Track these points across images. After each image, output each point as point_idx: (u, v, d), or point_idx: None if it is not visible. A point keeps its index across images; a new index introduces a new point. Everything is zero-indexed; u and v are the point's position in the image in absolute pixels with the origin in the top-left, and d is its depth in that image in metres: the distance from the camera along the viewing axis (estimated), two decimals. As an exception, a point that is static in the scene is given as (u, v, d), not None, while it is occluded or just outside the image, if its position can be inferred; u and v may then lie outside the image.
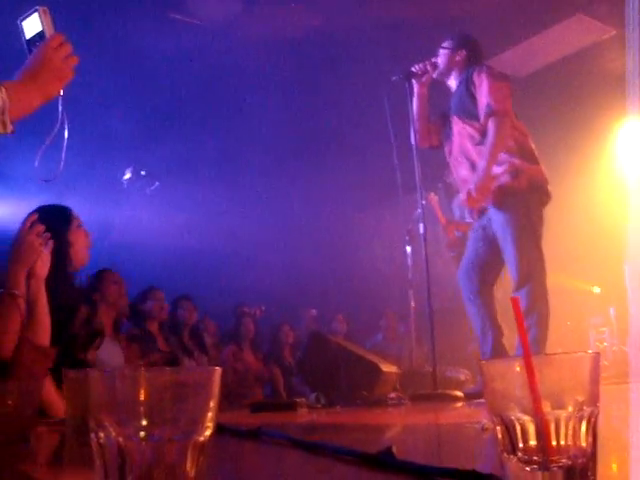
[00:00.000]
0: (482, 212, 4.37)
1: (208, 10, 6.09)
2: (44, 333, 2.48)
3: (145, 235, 8.52)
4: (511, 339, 4.20)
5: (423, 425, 2.27)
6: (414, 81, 4.64)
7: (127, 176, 8.95)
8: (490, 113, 4.13)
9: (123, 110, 7.31)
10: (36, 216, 2.55)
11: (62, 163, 2.10)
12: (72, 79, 2.03)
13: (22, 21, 2.08)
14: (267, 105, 7.43)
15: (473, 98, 4.31)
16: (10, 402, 1.61)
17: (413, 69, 4.61)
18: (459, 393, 3.94)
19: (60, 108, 2.10)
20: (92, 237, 3.15)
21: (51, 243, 2.57)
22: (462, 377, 5.32)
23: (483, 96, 4.20)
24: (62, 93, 2.05)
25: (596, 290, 7.80)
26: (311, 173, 8.64)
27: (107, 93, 6.95)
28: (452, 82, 4.60)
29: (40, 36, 2.03)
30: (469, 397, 3.79)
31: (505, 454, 0.82)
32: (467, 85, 4.36)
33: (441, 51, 4.59)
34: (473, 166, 4.33)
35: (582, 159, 7.75)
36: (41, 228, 2.50)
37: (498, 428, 0.82)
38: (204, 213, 8.81)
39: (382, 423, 2.40)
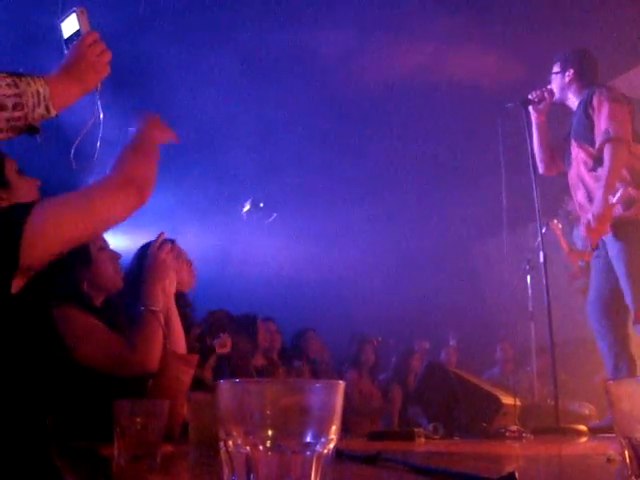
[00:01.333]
0: (599, 242, 4.22)
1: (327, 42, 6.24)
2: (181, 343, 2.68)
3: (263, 266, 8.71)
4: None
5: (545, 456, 2.20)
6: (532, 109, 4.56)
7: (246, 208, 9.21)
8: (608, 139, 3.99)
9: (242, 143, 7.55)
10: (165, 235, 2.75)
11: (97, 155, 2.17)
12: (107, 74, 2.10)
13: (61, 22, 2.18)
14: (383, 133, 7.49)
15: (590, 122, 4.18)
16: (139, 420, 1.68)
17: (530, 96, 4.54)
18: (583, 427, 3.79)
19: (98, 102, 2.17)
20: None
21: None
22: (586, 411, 5.13)
23: (602, 121, 4.06)
24: (99, 87, 2.12)
25: None
26: (430, 202, 8.63)
27: (226, 126, 7.20)
28: (572, 102, 4.47)
29: (77, 35, 2.13)
30: (594, 432, 3.65)
31: (634, 478, 0.79)
32: (585, 108, 4.24)
33: (553, 76, 4.50)
34: (588, 192, 4.21)
35: None
36: (169, 247, 2.69)
37: (626, 451, 0.80)
38: (321, 243, 8.93)
39: (502, 453, 2.34)
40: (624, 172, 4.04)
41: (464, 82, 6.52)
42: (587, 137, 4.21)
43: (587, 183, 4.22)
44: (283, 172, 8.09)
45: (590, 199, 4.19)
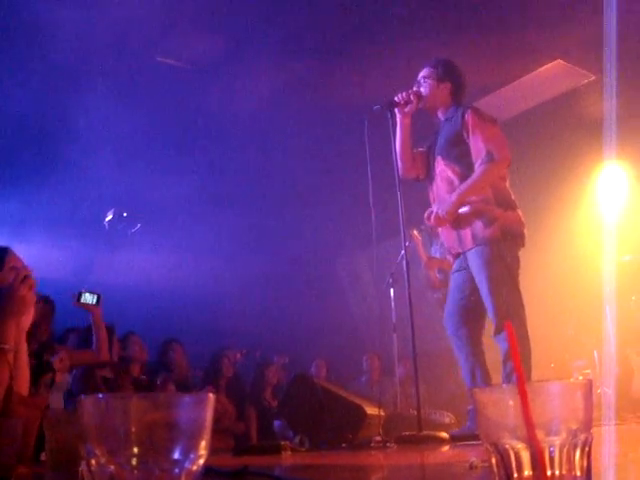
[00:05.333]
0: (458, 255, 4.34)
1: (195, 54, 6.16)
2: (25, 383, 2.46)
3: (127, 277, 8.47)
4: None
5: (410, 465, 2.24)
6: (397, 111, 4.45)
7: (109, 218, 8.92)
8: (491, 160, 4.10)
9: (106, 152, 7.32)
10: (30, 271, 2.49)
11: None
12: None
13: None
14: (250, 146, 7.47)
15: (460, 141, 4.24)
16: (-10, 441, 1.58)
17: (396, 98, 4.42)
18: (444, 434, 3.91)
19: None
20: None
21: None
22: (447, 420, 5.28)
23: (480, 142, 4.12)
24: None
25: (573, 332, 7.80)
26: (295, 215, 8.67)
27: (90, 134, 6.96)
28: (439, 114, 4.49)
29: None
30: (455, 439, 3.76)
31: (499, 484, 0.81)
32: (455, 126, 4.29)
33: (425, 81, 4.46)
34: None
35: (562, 203, 7.82)
36: (33, 282, 2.44)
37: (492, 457, 0.82)
38: (186, 255, 8.79)
39: (368, 464, 2.37)
40: (488, 192, 4.17)
41: (329, 93, 6.61)
42: (456, 156, 4.26)
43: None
44: (148, 183, 7.89)
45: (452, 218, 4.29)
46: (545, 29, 5.87)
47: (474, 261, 4.17)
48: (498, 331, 4.01)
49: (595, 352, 7.35)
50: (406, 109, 4.41)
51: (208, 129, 7.18)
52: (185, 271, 8.76)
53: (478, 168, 4.11)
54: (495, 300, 4.03)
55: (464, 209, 4.15)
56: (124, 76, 6.31)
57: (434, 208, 4.25)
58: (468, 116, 4.22)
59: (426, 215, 4.30)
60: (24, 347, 2.49)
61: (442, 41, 5.82)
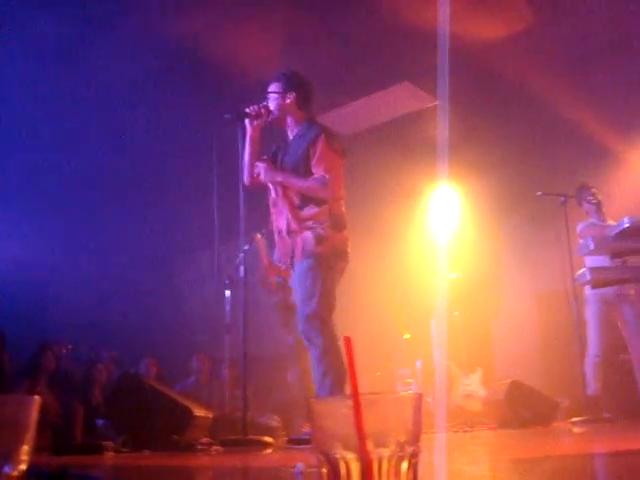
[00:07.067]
0: (293, 264, 4.38)
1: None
2: None
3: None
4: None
5: (234, 468, 2.24)
6: (247, 123, 4.49)
7: None
8: (324, 185, 4.15)
9: None
10: None
11: None
12: None
13: None
14: (90, 140, 7.22)
15: (307, 161, 4.27)
16: None
17: (247, 110, 4.46)
18: (269, 439, 3.94)
19: None
20: None
21: None
22: (273, 423, 5.34)
23: (320, 167, 4.19)
24: None
25: (407, 336, 8.09)
26: (137, 212, 8.47)
27: None
28: (290, 127, 4.52)
29: None
30: (292, 442, 3.84)
31: (328, 493, 0.82)
32: (305, 146, 4.32)
33: (271, 95, 4.49)
34: (288, 225, 4.32)
35: (399, 219, 8.12)
36: None
37: (323, 467, 0.82)
38: (15, 242, 8.35)
39: (191, 467, 2.34)
40: (327, 215, 4.24)
41: (181, 97, 6.51)
42: (301, 173, 4.29)
43: (290, 217, 4.35)
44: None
45: (289, 232, 4.32)
46: (397, 51, 6.07)
47: (298, 273, 4.23)
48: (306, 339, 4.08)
49: (418, 362, 7.70)
50: (255, 122, 4.46)
51: (50, 117, 6.86)
52: (13, 259, 8.31)
53: (312, 179, 4.21)
54: (306, 310, 4.10)
55: (308, 235, 4.23)
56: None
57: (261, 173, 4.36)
58: (319, 142, 4.27)
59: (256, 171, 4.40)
60: None
61: (291, 53, 5.90)
